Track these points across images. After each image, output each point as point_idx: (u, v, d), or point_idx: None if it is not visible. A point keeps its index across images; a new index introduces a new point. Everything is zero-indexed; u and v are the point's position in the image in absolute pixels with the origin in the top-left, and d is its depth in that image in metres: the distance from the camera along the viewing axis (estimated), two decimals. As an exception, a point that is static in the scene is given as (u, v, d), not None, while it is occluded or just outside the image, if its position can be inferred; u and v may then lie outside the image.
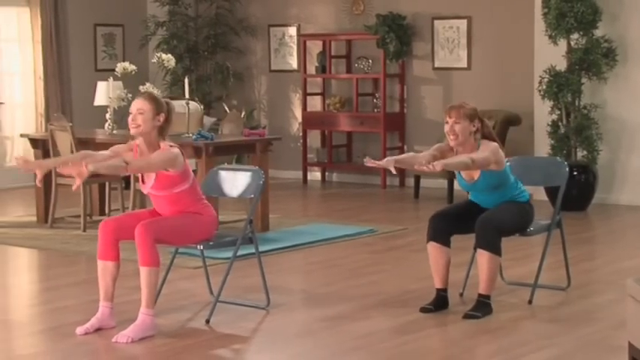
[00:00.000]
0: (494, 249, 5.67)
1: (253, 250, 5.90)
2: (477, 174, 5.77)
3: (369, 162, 5.66)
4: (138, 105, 5.42)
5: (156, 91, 8.74)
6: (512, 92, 10.76)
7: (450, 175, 10.14)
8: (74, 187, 5.19)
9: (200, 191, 5.61)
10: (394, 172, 5.75)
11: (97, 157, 5.46)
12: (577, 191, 9.48)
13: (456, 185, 10.16)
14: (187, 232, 5.49)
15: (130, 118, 5.41)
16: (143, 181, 5.50)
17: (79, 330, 5.38)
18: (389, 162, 5.62)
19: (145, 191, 5.56)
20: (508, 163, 5.85)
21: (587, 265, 7.27)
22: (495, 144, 5.73)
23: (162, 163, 5.34)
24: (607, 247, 8.21)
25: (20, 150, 11.76)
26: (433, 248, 5.83)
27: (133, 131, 5.42)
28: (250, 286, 6.35)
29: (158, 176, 5.41)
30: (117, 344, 5.21)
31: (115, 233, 5.40)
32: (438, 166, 5.40)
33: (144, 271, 5.29)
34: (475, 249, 5.78)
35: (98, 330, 5.40)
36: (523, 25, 10.60)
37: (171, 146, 5.42)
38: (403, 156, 6.11)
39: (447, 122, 5.76)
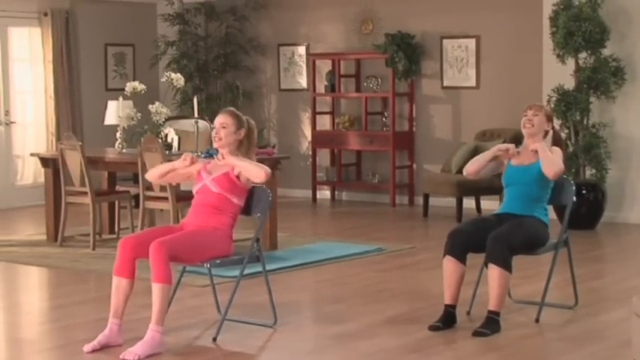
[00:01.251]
0: (505, 265, 5.68)
1: (260, 269, 5.92)
2: (531, 161, 5.91)
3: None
4: (221, 120, 5.69)
5: (165, 110, 8.83)
6: (520, 111, 10.60)
7: (459, 194, 10.16)
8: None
9: (234, 221, 5.71)
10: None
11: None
12: (586, 210, 9.48)
13: (465, 203, 10.28)
14: (202, 250, 5.53)
15: (214, 132, 5.69)
16: (204, 175, 5.63)
17: (87, 347, 5.39)
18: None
19: (197, 186, 5.66)
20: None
21: (596, 283, 7.26)
22: (559, 150, 5.98)
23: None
24: (615, 265, 8.20)
25: (31, 169, 11.83)
26: (449, 263, 5.83)
27: (216, 144, 5.66)
28: (258, 304, 6.36)
29: (224, 175, 5.61)
30: (124, 361, 5.23)
31: (134, 251, 5.44)
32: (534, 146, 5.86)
33: (157, 288, 5.31)
34: (486, 264, 5.79)
35: (105, 347, 5.41)
36: (531, 44, 10.63)
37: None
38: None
39: (525, 115, 6.06)
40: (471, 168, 6.14)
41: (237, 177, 5.63)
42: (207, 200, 5.63)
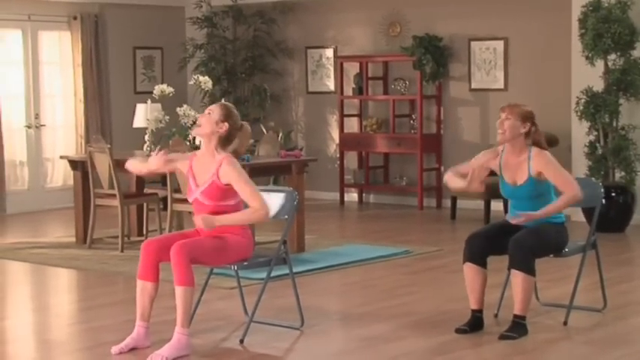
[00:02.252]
0: (528, 269, 5.65)
1: (287, 271, 5.93)
2: (522, 179, 5.74)
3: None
4: (210, 107, 5.59)
5: (193, 113, 8.85)
6: (549, 113, 10.70)
7: (487, 197, 10.11)
8: None
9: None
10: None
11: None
12: (615, 212, 9.42)
13: (493, 206, 10.24)
14: (223, 253, 5.51)
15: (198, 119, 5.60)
16: (192, 186, 5.55)
17: (114, 349, 5.42)
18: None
19: (190, 198, 5.58)
20: None
21: (624, 286, 7.21)
22: (549, 154, 5.75)
23: (246, 182, 5.44)
24: (645, 268, 8.14)
25: (60, 172, 11.91)
26: (469, 269, 5.81)
27: (194, 131, 5.56)
28: (285, 307, 6.37)
29: (211, 185, 5.47)
30: (151, 363, 5.25)
31: (157, 254, 5.45)
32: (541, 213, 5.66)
33: (179, 291, 5.33)
34: (509, 269, 5.76)
35: (133, 349, 5.44)
36: (560, 45, 10.57)
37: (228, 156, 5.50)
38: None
39: (499, 117, 5.79)
40: (455, 188, 6.01)
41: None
42: (206, 212, 5.51)
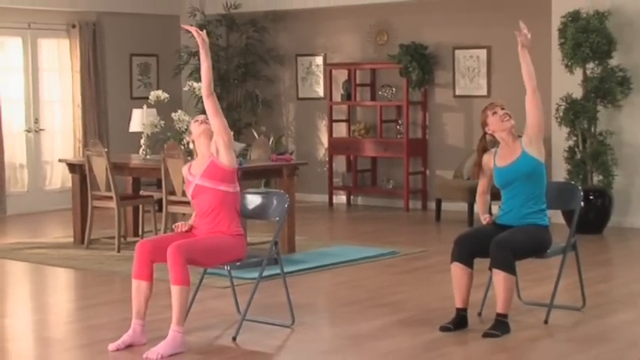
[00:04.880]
0: (509, 269, 5.65)
1: (279, 271, 5.91)
2: (516, 155, 5.77)
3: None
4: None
5: (187, 118, 8.83)
6: (530, 119, 10.73)
7: (470, 199, 10.12)
8: None
9: (239, 212, 5.65)
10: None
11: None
12: (593, 215, 9.44)
13: (476, 208, 10.21)
14: (217, 253, 5.51)
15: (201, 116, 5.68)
16: (190, 177, 5.58)
17: (111, 346, 5.40)
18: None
19: (190, 189, 5.59)
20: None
21: (603, 286, 7.22)
22: None
23: (224, 125, 5.50)
24: (622, 268, 8.15)
25: (59, 174, 11.87)
26: (457, 268, 5.81)
27: (195, 125, 5.64)
28: (276, 305, 6.35)
29: (209, 165, 5.51)
30: (147, 360, 5.23)
31: (151, 254, 5.44)
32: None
33: (175, 290, 5.31)
34: (490, 269, 5.76)
35: (129, 347, 5.42)
36: (540, 54, 10.56)
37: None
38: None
39: (495, 112, 5.91)
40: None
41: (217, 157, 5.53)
42: (206, 203, 5.54)
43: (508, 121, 5.90)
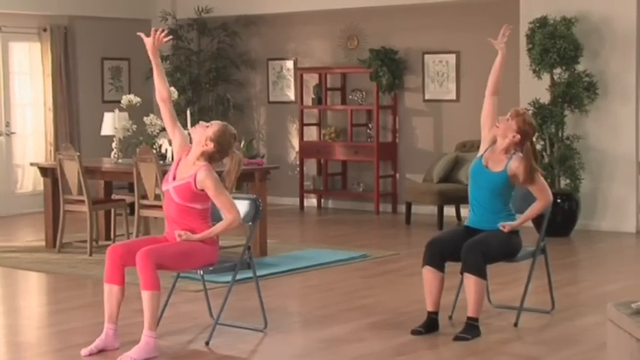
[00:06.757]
0: (480, 273, 5.65)
1: (251, 275, 5.88)
2: (498, 169, 5.75)
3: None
4: (213, 122, 5.52)
5: (159, 122, 8.77)
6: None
7: (440, 202, 10.13)
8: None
9: (209, 217, 5.56)
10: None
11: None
12: (561, 218, 9.48)
13: (446, 211, 10.26)
14: (189, 258, 5.45)
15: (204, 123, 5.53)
16: (170, 179, 5.49)
17: (84, 351, 5.34)
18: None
19: (164, 188, 5.51)
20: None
21: (571, 288, 7.25)
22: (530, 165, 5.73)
23: (222, 192, 5.38)
24: (589, 271, 8.19)
25: (30, 178, 11.76)
26: (428, 272, 5.80)
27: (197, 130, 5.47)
28: (249, 309, 6.31)
29: (186, 185, 5.39)
30: (120, 365, 5.17)
31: (122, 259, 5.38)
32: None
33: (146, 295, 5.26)
34: (462, 273, 5.76)
35: (102, 351, 5.36)
36: (509, 59, 10.45)
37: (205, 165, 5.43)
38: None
39: (509, 120, 5.82)
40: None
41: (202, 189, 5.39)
42: (174, 212, 5.45)
43: (495, 127, 5.82)
